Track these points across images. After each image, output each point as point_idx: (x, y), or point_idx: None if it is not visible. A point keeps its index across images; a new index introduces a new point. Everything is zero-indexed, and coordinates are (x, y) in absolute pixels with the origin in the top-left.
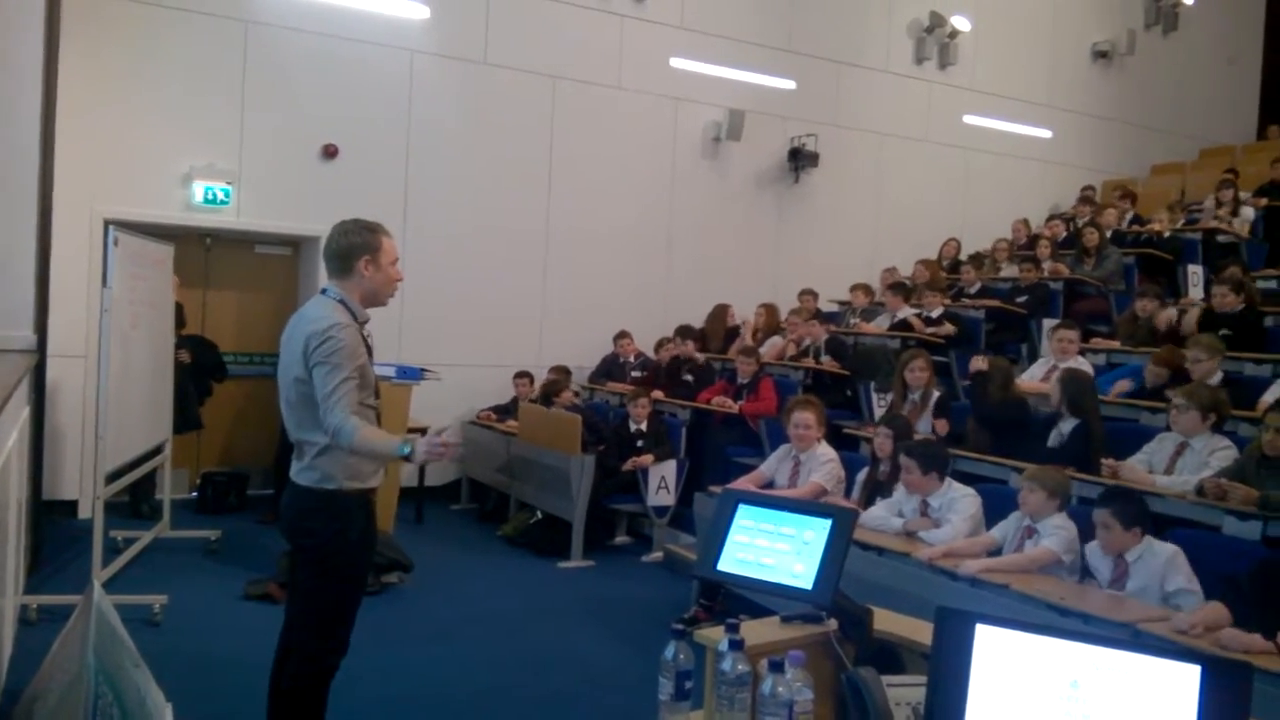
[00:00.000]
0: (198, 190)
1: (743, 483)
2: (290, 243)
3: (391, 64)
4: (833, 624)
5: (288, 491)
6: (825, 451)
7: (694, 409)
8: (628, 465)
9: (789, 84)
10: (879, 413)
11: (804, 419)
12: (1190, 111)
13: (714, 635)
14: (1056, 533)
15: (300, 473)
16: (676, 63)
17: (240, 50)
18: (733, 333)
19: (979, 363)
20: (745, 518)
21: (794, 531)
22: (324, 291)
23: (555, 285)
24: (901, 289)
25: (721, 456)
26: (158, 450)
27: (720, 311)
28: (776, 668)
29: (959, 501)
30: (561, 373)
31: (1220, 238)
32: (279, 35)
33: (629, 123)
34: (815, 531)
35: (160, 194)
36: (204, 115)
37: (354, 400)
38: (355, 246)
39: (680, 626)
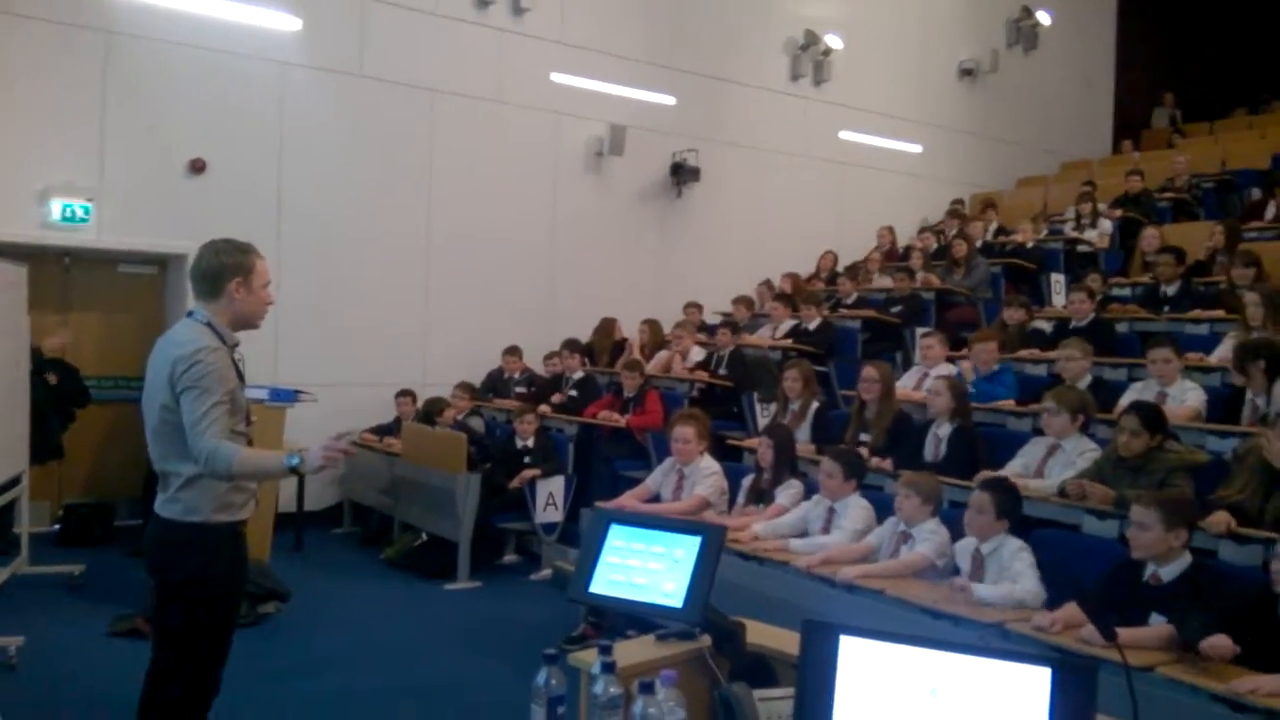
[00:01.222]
0: (55, 207)
1: (628, 497)
2: (156, 261)
3: (262, 76)
4: (706, 640)
5: (151, 524)
6: (708, 464)
7: (581, 424)
8: (515, 482)
9: (670, 100)
10: (763, 423)
11: (683, 434)
12: (1051, 127)
13: (587, 658)
14: (930, 537)
15: (164, 505)
16: (557, 77)
17: (100, 61)
18: (619, 347)
19: (870, 371)
20: (617, 538)
21: (665, 550)
22: (191, 314)
23: (438, 302)
24: (787, 300)
25: (609, 471)
26: (14, 482)
27: (606, 325)
28: (647, 689)
29: (854, 510)
30: (466, 390)
31: (1080, 247)
32: (142, 46)
33: (510, 137)
34: (685, 549)
35: (13, 211)
36: (62, 128)
37: (225, 426)
38: (226, 267)
39: (552, 651)
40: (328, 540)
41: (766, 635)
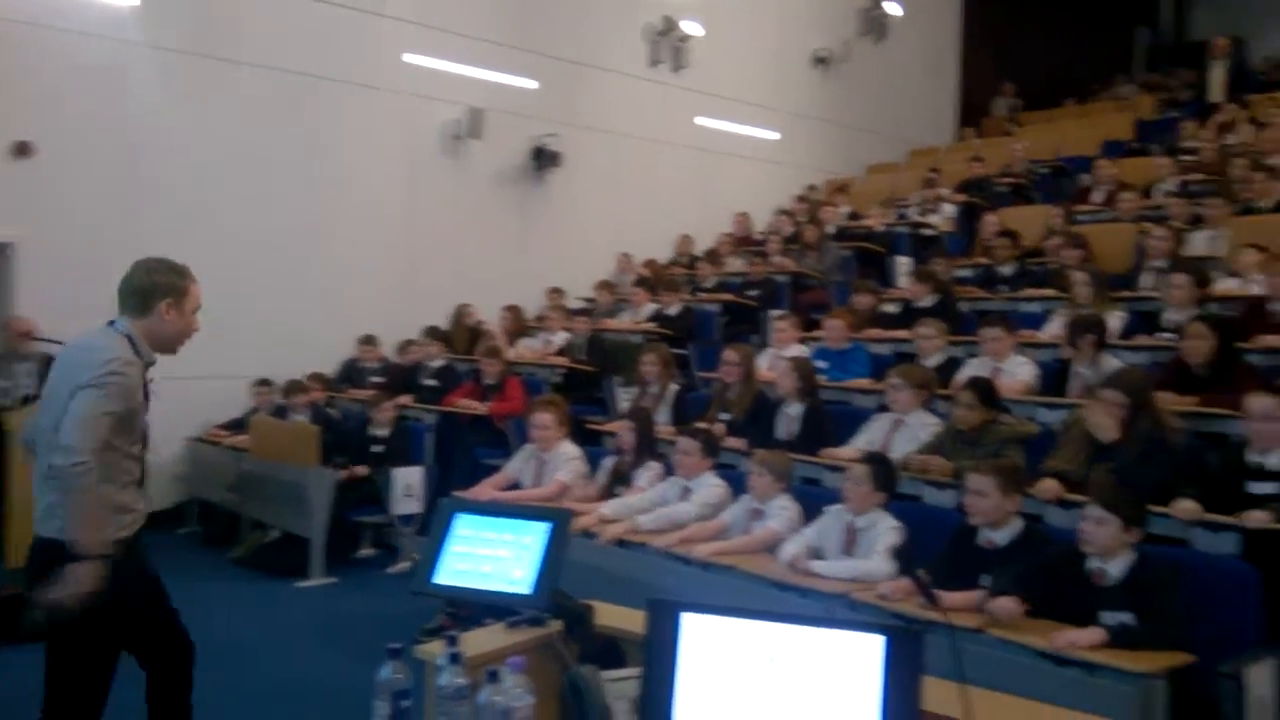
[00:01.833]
0: None
1: (486, 485)
2: None
3: (99, 55)
4: (556, 625)
5: (33, 544)
6: (568, 449)
7: (441, 413)
8: (343, 474)
9: (531, 83)
10: (624, 407)
11: (542, 420)
12: (901, 115)
13: (433, 649)
14: (781, 513)
15: (43, 522)
16: (412, 58)
17: None
18: (477, 333)
19: (730, 354)
20: (464, 527)
21: (513, 537)
22: (112, 324)
23: (293, 290)
24: (648, 285)
25: (471, 460)
26: None
27: (462, 312)
28: (492, 677)
29: (708, 487)
30: (318, 380)
31: (925, 231)
32: None
33: (365, 120)
34: (534, 535)
35: None
36: None
37: (102, 434)
38: (160, 287)
39: (396, 645)
40: (171, 541)
41: (618, 616)
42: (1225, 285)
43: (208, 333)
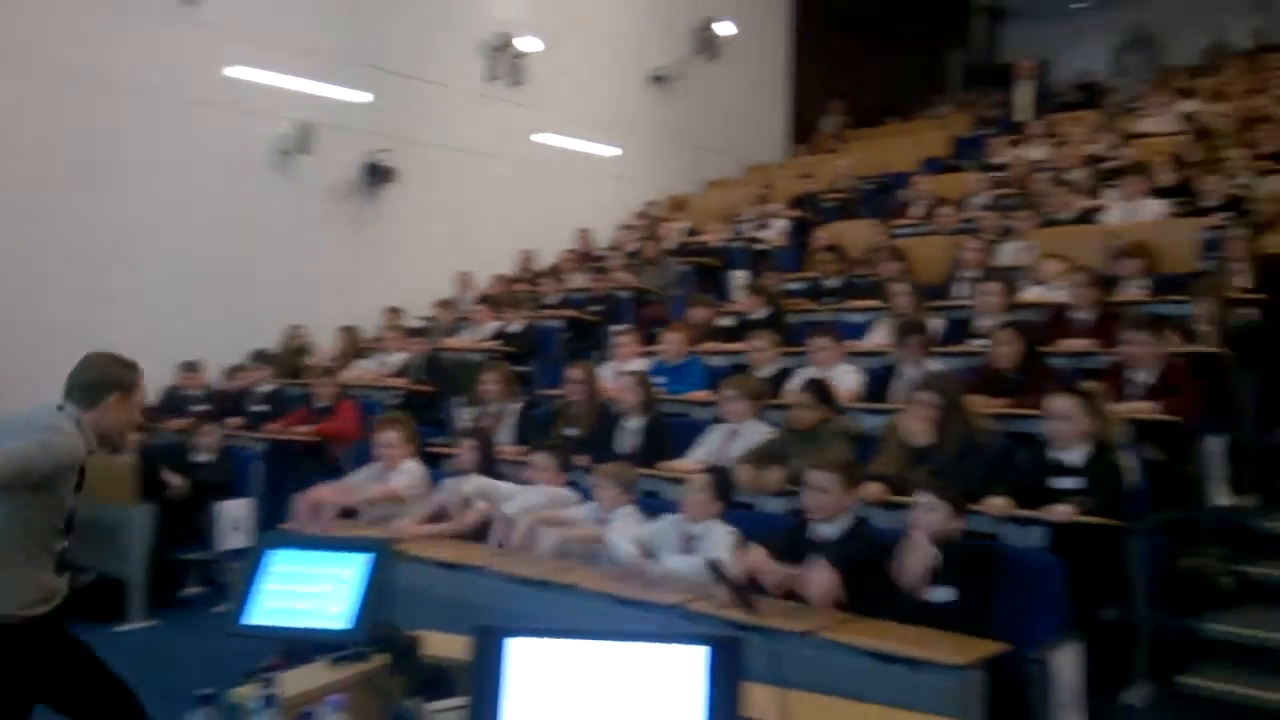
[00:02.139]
0: None
1: (325, 488)
2: None
3: None
4: (382, 659)
5: None
6: (411, 467)
7: (270, 440)
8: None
9: (364, 96)
10: (466, 427)
11: (387, 438)
12: (736, 132)
13: (246, 693)
14: (627, 521)
15: None
16: (236, 70)
17: None
18: (302, 355)
19: (574, 372)
20: (280, 563)
21: (331, 571)
22: (61, 408)
23: (116, 316)
24: (491, 302)
25: (305, 487)
26: None
27: (293, 334)
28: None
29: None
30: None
31: (759, 246)
32: None
33: (185, 134)
34: (354, 568)
35: None
36: None
37: (24, 471)
38: (111, 380)
39: (208, 691)
40: None
41: (446, 645)
42: (1031, 293)
43: (17, 360)
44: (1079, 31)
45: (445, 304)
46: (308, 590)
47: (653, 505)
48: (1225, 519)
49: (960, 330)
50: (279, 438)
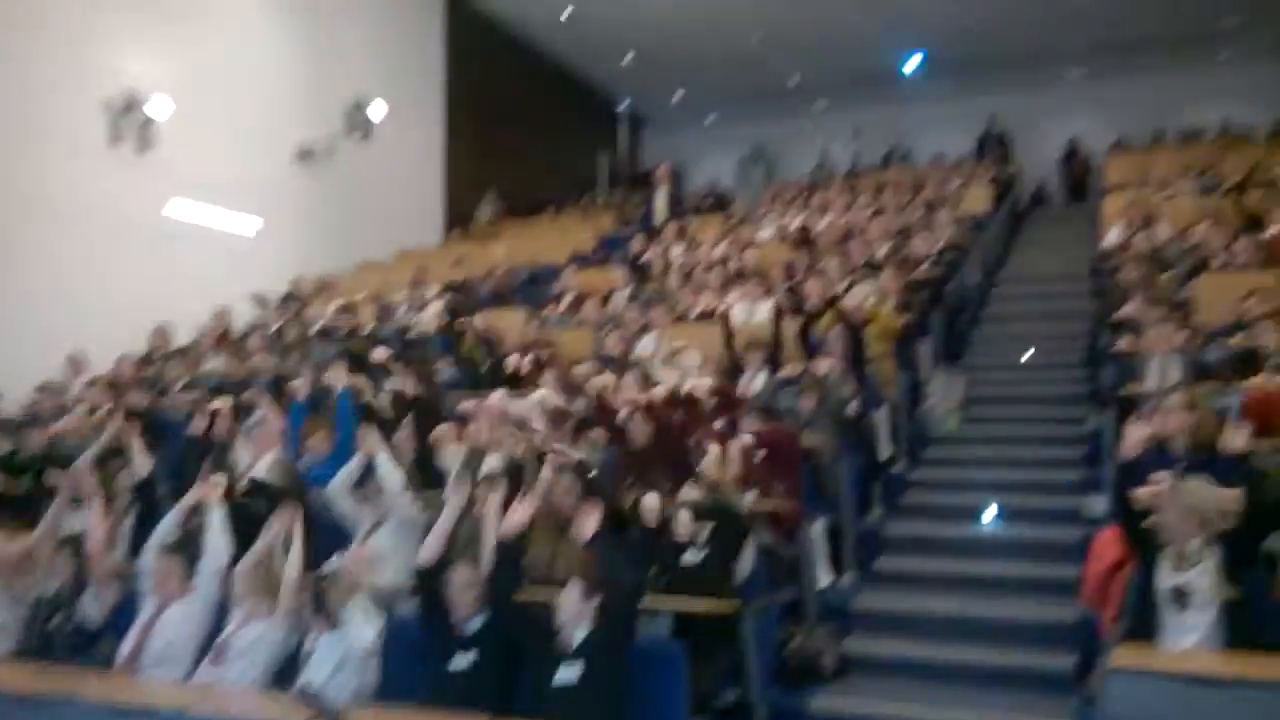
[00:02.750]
0: None
1: None
2: None
3: None
4: None
5: None
6: None
7: None
8: None
9: None
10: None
11: None
12: (390, 214)
13: None
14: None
15: None
16: None
17: None
18: None
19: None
20: None
21: None
22: None
23: None
24: (112, 385)
25: None
26: None
27: None
28: None
29: None
30: None
31: (411, 332)
32: None
33: None
34: None
35: None
36: None
37: None
38: None
39: None
40: None
41: None
42: (666, 382)
43: None
44: (710, 144)
45: (48, 389)
46: None
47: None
48: (828, 599)
49: (604, 417)
50: None
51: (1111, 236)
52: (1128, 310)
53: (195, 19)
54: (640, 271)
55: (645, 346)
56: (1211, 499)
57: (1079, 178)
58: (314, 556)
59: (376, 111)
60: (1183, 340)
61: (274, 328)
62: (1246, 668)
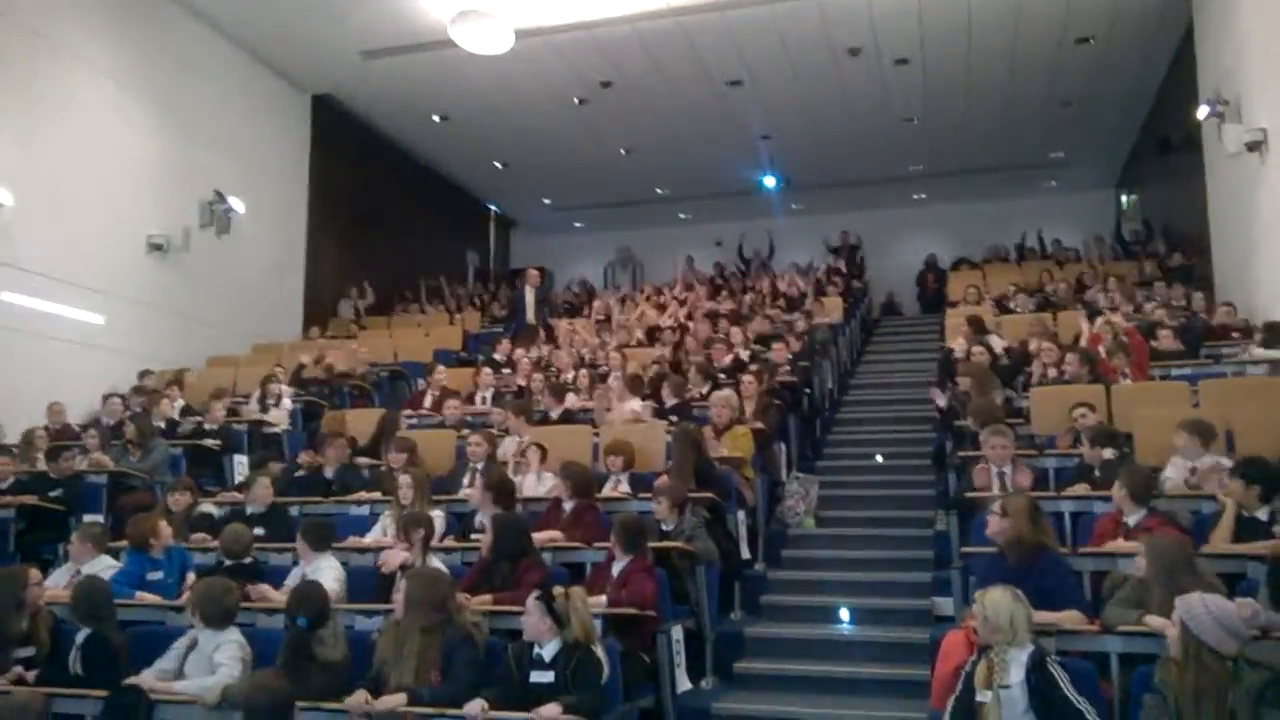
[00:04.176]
0: None
1: None
2: None
3: None
4: None
5: None
6: None
7: None
8: None
9: None
10: None
11: None
12: (246, 308)
13: None
14: None
15: None
16: None
17: None
18: None
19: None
20: None
21: None
22: None
23: None
24: None
25: None
26: None
27: None
28: None
29: None
30: None
31: (265, 428)
32: None
33: None
34: None
35: None
36: None
37: None
38: None
39: None
40: None
41: None
42: (525, 486)
43: None
44: (579, 247)
45: None
46: None
47: None
48: (687, 703)
49: (461, 524)
50: None
51: (955, 347)
52: (967, 420)
53: (46, 107)
54: (504, 371)
55: (507, 447)
56: (1005, 612)
57: (934, 290)
58: None
59: (236, 205)
60: (1014, 449)
61: (112, 423)
62: None
